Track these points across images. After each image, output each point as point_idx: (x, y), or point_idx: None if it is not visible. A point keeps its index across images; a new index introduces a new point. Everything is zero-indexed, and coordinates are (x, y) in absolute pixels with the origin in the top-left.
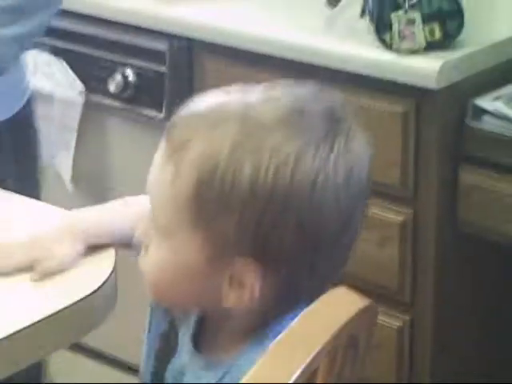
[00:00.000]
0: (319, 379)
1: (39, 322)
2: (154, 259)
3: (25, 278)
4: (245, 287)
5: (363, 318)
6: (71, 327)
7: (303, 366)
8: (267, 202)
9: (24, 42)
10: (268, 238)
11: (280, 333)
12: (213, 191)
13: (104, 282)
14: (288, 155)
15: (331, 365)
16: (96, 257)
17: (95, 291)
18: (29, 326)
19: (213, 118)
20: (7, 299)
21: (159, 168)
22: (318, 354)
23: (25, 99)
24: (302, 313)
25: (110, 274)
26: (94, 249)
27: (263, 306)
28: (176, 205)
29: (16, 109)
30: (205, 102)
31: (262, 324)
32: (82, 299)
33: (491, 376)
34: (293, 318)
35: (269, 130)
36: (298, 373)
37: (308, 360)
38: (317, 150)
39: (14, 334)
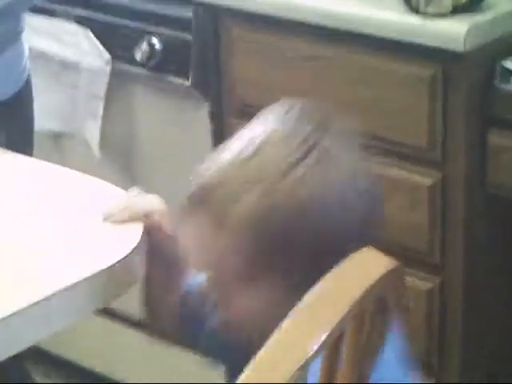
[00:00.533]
0: (347, 343)
1: (73, 285)
2: (237, 312)
3: (58, 242)
4: None
5: (390, 279)
6: (104, 291)
7: (330, 329)
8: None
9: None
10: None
11: None
12: (269, 231)
13: (134, 249)
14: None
15: (359, 329)
16: (125, 226)
17: (126, 256)
18: (65, 289)
19: (234, 185)
20: (44, 262)
21: (208, 239)
22: (345, 316)
23: (22, 81)
24: (327, 274)
25: (142, 235)
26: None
27: None
28: (243, 258)
29: (13, 91)
30: (214, 171)
31: None
32: (114, 264)
33: None
34: None
35: (282, 175)
36: (324, 336)
37: (334, 323)
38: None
39: (50, 296)
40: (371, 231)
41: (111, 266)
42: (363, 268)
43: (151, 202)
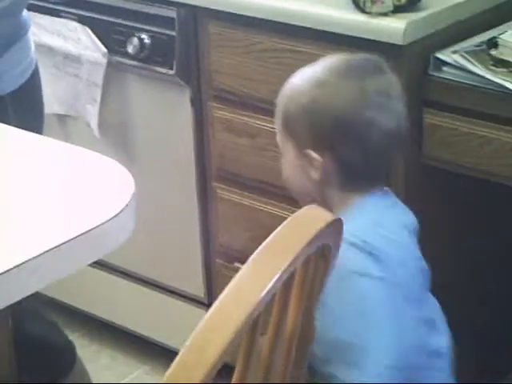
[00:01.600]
0: (296, 284)
1: (70, 240)
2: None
3: (60, 202)
4: (317, 164)
5: (331, 230)
6: (97, 245)
7: (283, 268)
8: (318, 116)
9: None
10: (319, 136)
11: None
12: (290, 118)
13: (124, 208)
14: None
15: (305, 270)
16: (116, 182)
17: (117, 214)
18: (62, 244)
19: (296, 86)
20: (46, 217)
21: (278, 126)
22: (295, 259)
23: (28, 74)
24: (280, 226)
25: (132, 197)
26: (114, 175)
27: (334, 183)
28: (280, 133)
29: (21, 82)
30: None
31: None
32: (107, 221)
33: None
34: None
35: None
36: (278, 274)
37: (287, 263)
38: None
39: (48, 251)
40: (372, 135)
41: (104, 223)
42: (309, 220)
43: None
